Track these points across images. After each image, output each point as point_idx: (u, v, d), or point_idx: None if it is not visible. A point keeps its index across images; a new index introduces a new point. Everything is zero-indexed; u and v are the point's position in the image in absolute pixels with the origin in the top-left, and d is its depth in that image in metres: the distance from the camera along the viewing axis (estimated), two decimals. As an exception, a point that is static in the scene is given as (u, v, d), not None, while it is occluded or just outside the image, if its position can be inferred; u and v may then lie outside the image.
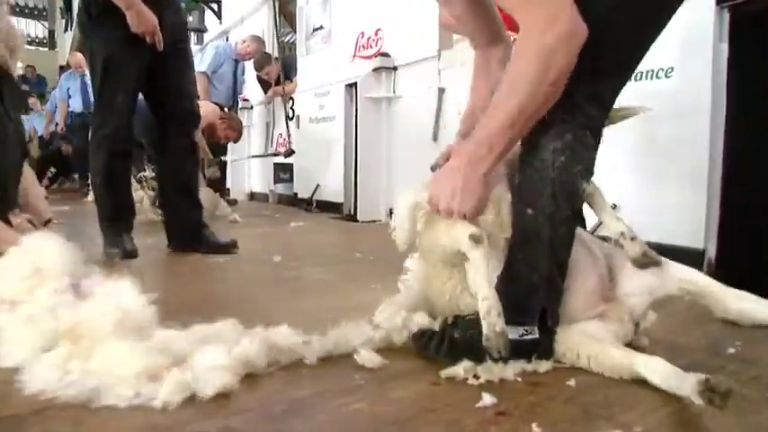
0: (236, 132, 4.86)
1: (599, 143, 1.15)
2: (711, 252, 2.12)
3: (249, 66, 5.89)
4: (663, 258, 1.20)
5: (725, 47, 2.07)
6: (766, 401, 0.97)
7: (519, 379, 1.07)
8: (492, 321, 1.03)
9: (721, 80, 2.09)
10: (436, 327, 1.20)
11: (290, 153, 5.17)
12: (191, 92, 2.70)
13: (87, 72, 7.28)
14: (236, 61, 5.55)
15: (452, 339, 1.14)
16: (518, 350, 1.09)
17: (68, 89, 7.52)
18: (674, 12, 1.14)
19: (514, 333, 1.09)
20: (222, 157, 5.64)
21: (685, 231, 2.16)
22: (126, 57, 2.37)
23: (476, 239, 1.07)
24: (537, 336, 1.12)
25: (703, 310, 1.40)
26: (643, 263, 1.16)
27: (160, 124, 2.62)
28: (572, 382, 1.04)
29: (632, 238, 1.16)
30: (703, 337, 1.33)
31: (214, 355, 1.03)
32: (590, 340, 1.12)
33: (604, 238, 1.29)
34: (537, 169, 1.11)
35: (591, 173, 1.15)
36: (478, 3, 1.36)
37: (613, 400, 0.98)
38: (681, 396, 0.93)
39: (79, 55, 7.81)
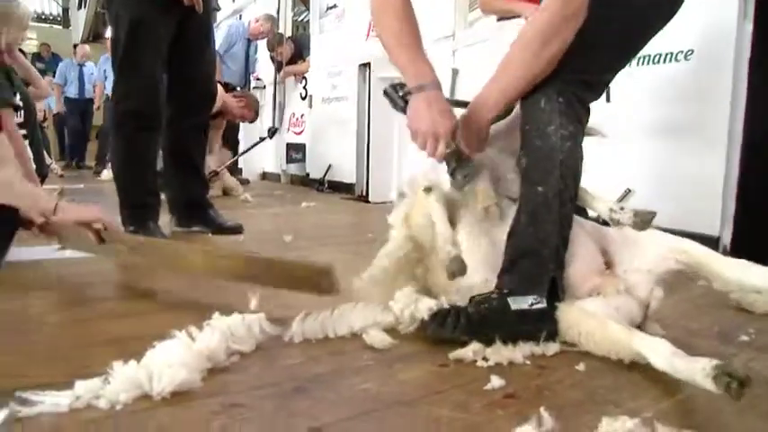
0: (253, 112, 4.82)
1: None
2: (726, 239, 2.10)
3: (262, 44, 5.85)
4: (658, 231, 1.22)
5: (749, 26, 2.01)
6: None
7: (527, 362, 1.06)
8: (448, 249, 1.14)
9: (743, 62, 2.04)
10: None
11: (273, 132, 5.17)
12: (211, 68, 2.55)
13: (86, 63, 7.86)
14: (249, 40, 5.51)
15: (468, 315, 1.15)
16: (526, 319, 1.15)
17: (65, 76, 7.92)
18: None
19: (524, 303, 1.16)
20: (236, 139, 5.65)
21: (700, 218, 2.13)
22: (156, 18, 2.16)
23: (426, 190, 1.24)
24: (545, 305, 1.16)
25: (717, 296, 1.39)
26: (641, 223, 1.18)
27: (174, 97, 2.43)
28: (581, 366, 1.04)
29: (621, 208, 1.22)
30: (716, 324, 1.32)
31: (171, 350, 0.98)
32: (589, 316, 1.11)
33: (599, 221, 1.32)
34: (546, 153, 1.18)
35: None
36: None
37: (622, 385, 0.97)
38: (687, 381, 0.89)
39: (87, 47, 8.15)
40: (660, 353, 0.94)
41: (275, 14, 5.92)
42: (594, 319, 1.09)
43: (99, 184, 5.42)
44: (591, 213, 1.43)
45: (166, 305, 1.47)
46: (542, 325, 1.14)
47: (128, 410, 0.84)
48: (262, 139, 5.48)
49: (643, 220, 1.18)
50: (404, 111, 1.31)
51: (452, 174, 1.26)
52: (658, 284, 1.20)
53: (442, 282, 1.24)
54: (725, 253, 2.04)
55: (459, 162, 1.24)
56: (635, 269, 1.21)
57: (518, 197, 1.25)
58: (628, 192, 1.45)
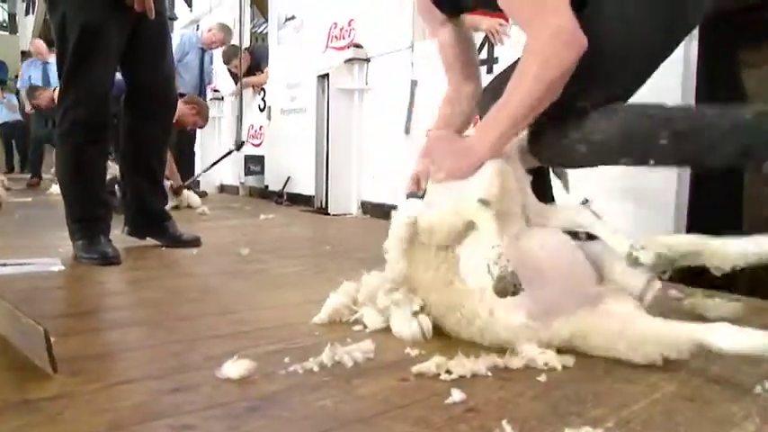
0: (204, 119, 4.76)
1: None
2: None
3: (219, 55, 5.77)
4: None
5: (695, 43, 2.08)
6: (731, 396, 0.96)
7: (490, 374, 1.04)
8: (503, 264, 1.05)
9: (690, 83, 2.10)
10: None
11: (240, 145, 5.13)
12: (169, 75, 2.44)
13: (50, 59, 7.10)
14: (203, 50, 5.44)
15: None
16: None
17: (30, 77, 7.20)
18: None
19: None
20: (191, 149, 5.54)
21: (654, 228, 2.17)
22: (108, 24, 2.06)
23: (484, 203, 1.14)
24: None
25: (670, 304, 1.42)
26: (662, 265, 1.15)
27: (134, 104, 2.35)
28: (542, 378, 1.02)
29: (641, 247, 1.15)
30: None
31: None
32: (629, 320, 1.07)
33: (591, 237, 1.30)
34: (597, 145, 1.27)
35: None
36: (461, 39, 1.60)
37: (584, 395, 0.96)
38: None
39: (40, 41, 7.51)
40: (726, 334, 0.93)
41: (232, 25, 5.85)
42: (642, 321, 1.06)
43: (48, 197, 5.20)
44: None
45: (113, 323, 1.39)
46: None
47: None
48: (229, 152, 5.40)
49: (663, 264, 1.14)
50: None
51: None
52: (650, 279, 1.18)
53: (425, 288, 1.25)
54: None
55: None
56: (629, 271, 1.17)
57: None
58: (585, 202, 1.47)
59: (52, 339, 1.00)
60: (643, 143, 1.25)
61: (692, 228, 2.10)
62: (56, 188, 5.64)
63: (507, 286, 1.04)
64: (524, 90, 1.22)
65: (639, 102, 1.31)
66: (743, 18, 1.92)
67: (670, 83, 2.12)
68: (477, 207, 1.14)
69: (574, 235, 1.28)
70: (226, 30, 5.52)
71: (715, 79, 2.10)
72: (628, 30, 1.27)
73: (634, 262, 1.15)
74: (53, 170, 7.09)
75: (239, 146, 5.21)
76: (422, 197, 1.40)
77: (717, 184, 2.07)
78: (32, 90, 6.43)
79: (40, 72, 7.17)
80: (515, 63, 1.29)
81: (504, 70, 1.48)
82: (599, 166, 1.36)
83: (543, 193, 1.43)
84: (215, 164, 5.47)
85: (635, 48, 1.29)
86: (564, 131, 1.30)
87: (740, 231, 1.07)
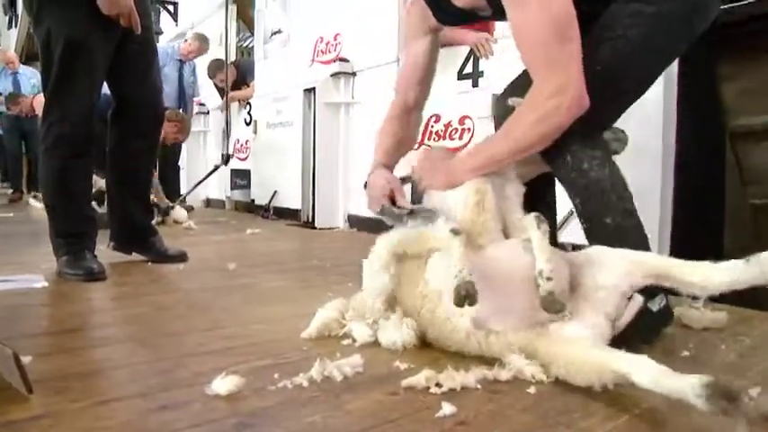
0: (186, 134, 4.76)
1: None
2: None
3: (203, 68, 5.77)
4: (619, 250, 1.20)
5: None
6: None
7: (479, 387, 1.04)
8: (463, 275, 1.09)
9: (671, 95, 2.14)
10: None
11: (227, 159, 5.12)
12: (157, 90, 2.43)
13: (19, 69, 6.87)
14: (182, 62, 5.43)
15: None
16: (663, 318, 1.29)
17: None
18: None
19: (655, 305, 1.26)
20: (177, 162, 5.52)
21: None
22: (93, 39, 2.04)
23: (455, 232, 1.16)
24: (665, 299, 1.28)
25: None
26: (550, 307, 1.11)
27: (121, 120, 2.33)
28: (532, 390, 1.03)
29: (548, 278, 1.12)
30: (658, 340, 1.34)
31: None
32: (568, 345, 1.08)
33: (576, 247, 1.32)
34: (595, 188, 1.27)
35: None
36: (430, 61, 1.59)
37: (573, 407, 0.97)
38: (678, 398, 0.85)
39: (11, 51, 7.39)
40: (645, 371, 0.91)
41: (218, 39, 5.86)
42: (573, 346, 1.07)
43: (29, 212, 5.14)
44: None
45: (99, 340, 1.38)
46: (668, 318, 1.31)
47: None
48: (216, 167, 5.38)
49: (555, 303, 1.10)
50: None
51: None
52: (624, 300, 1.17)
53: (409, 304, 1.28)
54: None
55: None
56: (600, 286, 1.17)
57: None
58: (571, 213, 1.49)
59: (26, 359, 0.98)
60: (600, 207, 1.29)
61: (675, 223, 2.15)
62: (35, 202, 5.60)
63: (462, 292, 1.06)
64: (517, 135, 1.24)
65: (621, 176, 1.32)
66: (719, 34, 1.97)
67: (652, 96, 2.16)
68: (449, 236, 1.16)
69: (561, 246, 1.30)
70: (201, 39, 5.51)
71: (695, 92, 2.15)
72: (635, 55, 1.29)
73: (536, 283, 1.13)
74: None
75: (226, 160, 5.20)
76: (391, 215, 1.43)
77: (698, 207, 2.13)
78: (14, 97, 6.34)
79: (10, 82, 6.84)
80: (525, 73, 1.32)
81: (517, 78, 1.51)
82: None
83: (539, 202, 1.43)
84: (201, 182, 5.45)
85: (638, 72, 1.33)
86: (567, 147, 1.29)
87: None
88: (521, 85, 1.30)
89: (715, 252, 2.08)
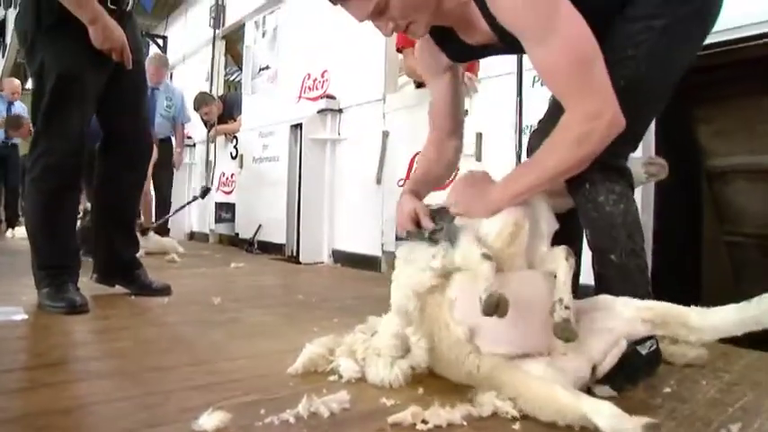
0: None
1: None
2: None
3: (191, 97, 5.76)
4: (618, 298, 1.22)
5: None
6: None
7: (465, 423, 1.05)
8: (493, 289, 1.11)
9: (649, 137, 2.22)
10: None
11: (206, 192, 5.13)
12: (145, 124, 2.46)
13: (16, 101, 6.84)
14: (153, 90, 5.35)
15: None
16: (650, 362, 1.27)
17: None
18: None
19: (645, 348, 1.24)
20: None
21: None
22: (85, 72, 2.08)
23: (486, 257, 1.17)
24: (656, 344, 1.27)
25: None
26: (562, 335, 1.14)
27: (110, 153, 2.35)
28: (517, 426, 1.04)
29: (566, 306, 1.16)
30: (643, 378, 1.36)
31: None
32: (533, 380, 1.11)
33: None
34: (606, 223, 1.28)
35: None
36: (455, 94, 1.59)
37: (558, 442, 0.98)
38: None
39: (16, 81, 7.30)
40: (604, 415, 0.96)
41: (206, 73, 5.92)
42: (539, 383, 1.09)
43: (6, 243, 5.06)
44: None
45: (82, 374, 1.36)
46: (657, 362, 1.29)
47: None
48: (194, 198, 5.36)
49: (566, 331, 1.13)
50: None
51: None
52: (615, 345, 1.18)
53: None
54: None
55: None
56: (596, 328, 1.19)
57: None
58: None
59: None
60: (608, 242, 1.30)
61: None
62: (10, 233, 5.53)
63: (494, 300, 1.08)
64: (556, 158, 1.21)
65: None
66: (693, 80, 2.05)
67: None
68: (480, 260, 1.17)
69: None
70: (156, 60, 5.39)
71: (672, 135, 2.22)
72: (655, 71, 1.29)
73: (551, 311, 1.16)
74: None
75: (203, 193, 5.19)
76: (428, 239, 1.42)
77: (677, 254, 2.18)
78: (15, 120, 6.27)
79: (4, 110, 6.72)
80: (557, 103, 1.31)
81: (548, 113, 1.51)
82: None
83: (569, 237, 1.41)
84: (177, 211, 5.42)
85: (662, 84, 1.34)
86: (589, 177, 1.30)
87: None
88: (554, 118, 1.29)
89: (693, 285, 2.15)
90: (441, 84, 1.58)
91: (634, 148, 1.39)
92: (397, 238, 1.52)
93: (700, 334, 1.12)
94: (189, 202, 5.40)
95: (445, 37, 1.45)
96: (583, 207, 1.33)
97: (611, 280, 1.29)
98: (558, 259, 1.21)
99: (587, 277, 1.40)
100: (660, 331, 1.18)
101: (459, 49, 1.46)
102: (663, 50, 1.27)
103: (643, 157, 1.45)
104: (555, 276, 1.22)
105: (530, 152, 1.50)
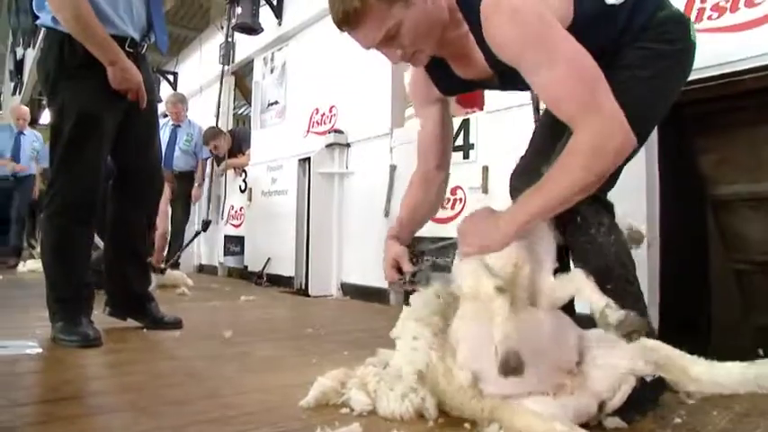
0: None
1: None
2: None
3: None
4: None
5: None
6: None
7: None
8: (508, 345, 1.10)
9: (653, 169, 2.25)
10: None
11: (207, 225, 5.18)
12: (157, 160, 2.54)
13: (26, 130, 6.70)
14: (175, 126, 5.55)
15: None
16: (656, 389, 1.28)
17: None
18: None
19: (649, 375, 1.22)
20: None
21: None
22: (103, 112, 2.16)
23: (501, 290, 1.17)
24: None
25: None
26: (628, 327, 1.14)
27: (122, 189, 2.41)
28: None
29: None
30: (651, 408, 1.36)
31: None
32: (533, 418, 1.11)
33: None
34: (600, 253, 1.32)
35: None
36: (444, 124, 1.61)
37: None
38: None
39: (25, 107, 7.24)
40: None
41: (216, 108, 6.03)
42: (538, 420, 1.10)
43: (21, 276, 5.10)
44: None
45: (96, 409, 1.38)
46: (662, 388, 1.28)
47: None
48: (197, 234, 5.42)
49: (632, 325, 1.14)
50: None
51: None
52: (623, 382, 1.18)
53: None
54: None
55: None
56: (599, 365, 1.20)
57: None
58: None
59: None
60: (602, 273, 1.29)
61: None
62: (22, 265, 5.57)
63: (511, 363, 1.08)
64: (569, 180, 1.18)
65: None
66: (694, 110, 2.10)
67: (635, 170, 2.27)
68: (494, 294, 1.17)
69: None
70: (174, 99, 5.63)
71: (675, 165, 2.25)
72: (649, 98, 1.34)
73: (605, 320, 1.16)
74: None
75: (205, 226, 5.25)
76: (408, 282, 1.46)
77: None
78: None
79: (12, 141, 6.50)
80: (543, 139, 1.36)
81: (530, 151, 1.54)
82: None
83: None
84: (185, 247, 5.47)
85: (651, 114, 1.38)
86: (578, 210, 1.31)
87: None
88: (541, 155, 1.33)
89: (702, 315, 2.14)
90: (430, 114, 1.61)
91: (613, 185, 1.41)
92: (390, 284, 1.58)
93: (700, 386, 1.13)
94: (192, 239, 5.46)
95: (440, 70, 1.48)
96: (576, 241, 1.34)
97: None
98: (580, 281, 1.23)
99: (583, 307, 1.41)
100: (662, 373, 1.16)
101: (451, 83, 1.50)
102: (647, 97, 1.33)
103: (624, 222, 1.46)
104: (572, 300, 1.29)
105: (512, 193, 1.49)
